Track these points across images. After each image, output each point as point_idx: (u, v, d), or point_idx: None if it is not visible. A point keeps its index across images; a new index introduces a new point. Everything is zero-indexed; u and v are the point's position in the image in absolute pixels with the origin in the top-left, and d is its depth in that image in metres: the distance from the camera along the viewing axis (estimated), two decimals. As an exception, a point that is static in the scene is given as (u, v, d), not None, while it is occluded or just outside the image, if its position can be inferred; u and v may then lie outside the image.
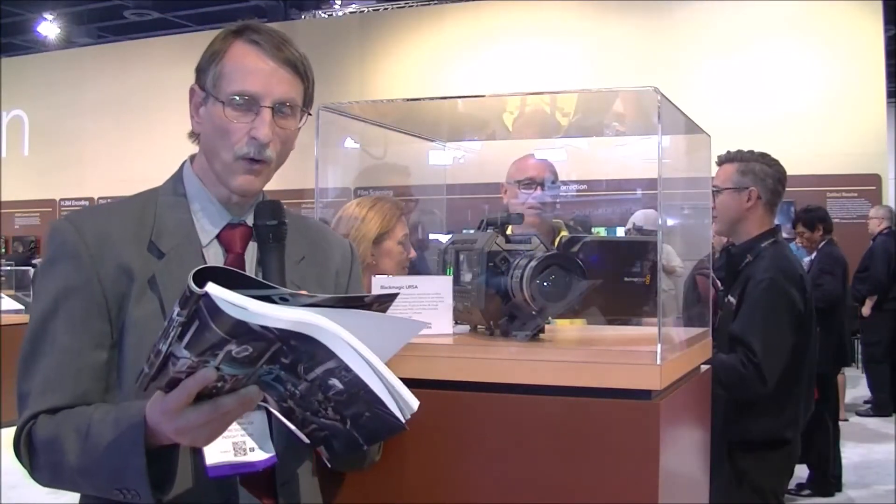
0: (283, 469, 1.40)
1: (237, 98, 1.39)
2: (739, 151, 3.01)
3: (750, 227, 2.95)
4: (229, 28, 1.45)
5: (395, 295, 1.20)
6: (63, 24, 14.22)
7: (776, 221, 3.10)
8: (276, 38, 1.42)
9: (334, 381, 1.12)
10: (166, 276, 1.38)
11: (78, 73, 13.50)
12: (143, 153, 11.68)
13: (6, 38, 14.54)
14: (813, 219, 6.08)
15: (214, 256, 1.45)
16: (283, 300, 1.10)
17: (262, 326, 1.03)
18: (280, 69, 1.41)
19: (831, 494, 5.48)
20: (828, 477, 5.50)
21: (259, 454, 1.28)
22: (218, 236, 1.46)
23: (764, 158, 3.00)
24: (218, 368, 1.08)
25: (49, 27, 14.13)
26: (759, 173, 2.95)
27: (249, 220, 1.48)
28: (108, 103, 12.97)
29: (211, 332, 1.02)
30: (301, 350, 1.09)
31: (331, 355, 1.09)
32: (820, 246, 6.10)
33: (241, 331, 1.03)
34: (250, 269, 1.46)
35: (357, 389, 1.12)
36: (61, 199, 13.28)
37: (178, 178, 1.51)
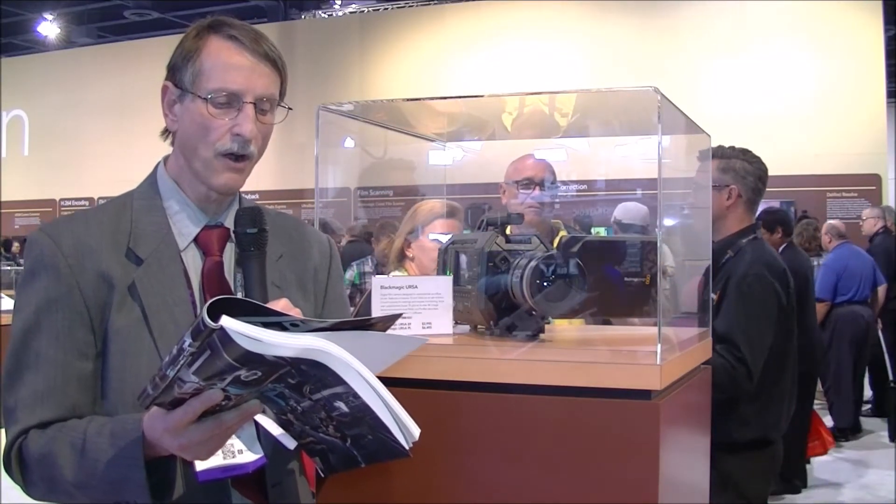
0: (273, 470, 1.40)
1: (219, 95, 1.38)
2: (720, 147, 2.94)
3: (730, 224, 2.91)
4: (200, 24, 1.43)
5: (398, 315, 1.23)
6: (63, 24, 14.23)
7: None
8: (251, 32, 1.42)
9: (340, 404, 1.13)
10: (146, 283, 1.37)
11: (78, 73, 13.51)
12: (143, 153, 11.60)
13: (6, 38, 14.54)
14: (772, 221, 5.93)
15: (192, 260, 1.44)
16: (294, 326, 1.10)
17: (276, 356, 1.03)
18: (260, 64, 1.40)
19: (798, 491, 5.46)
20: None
21: (248, 456, 1.28)
22: (195, 239, 1.45)
23: (745, 155, 2.94)
24: (224, 389, 1.08)
25: (49, 27, 14.14)
26: (740, 171, 2.90)
27: (226, 221, 1.47)
28: (108, 103, 12.97)
29: (222, 360, 1.02)
30: (310, 374, 1.09)
31: (340, 381, 1.09)
32: (780, 250, 5.87)
33: (253, 359, 1.03)
34: (229, 271, 1.45)
35: (362, 415, 1.13)
36: (61, 199, 13.28)
37: (152, 180, 1.49)
